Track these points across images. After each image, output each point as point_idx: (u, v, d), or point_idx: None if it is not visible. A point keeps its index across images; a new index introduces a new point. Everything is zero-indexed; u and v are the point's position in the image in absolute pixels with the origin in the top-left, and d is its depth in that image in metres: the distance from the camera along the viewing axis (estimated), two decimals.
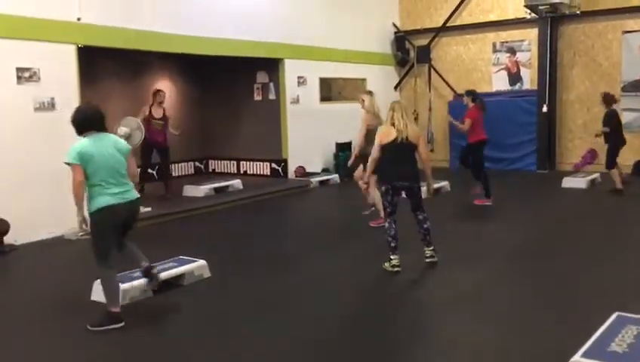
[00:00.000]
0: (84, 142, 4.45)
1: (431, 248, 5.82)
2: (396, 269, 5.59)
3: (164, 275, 5.30)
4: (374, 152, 5.72)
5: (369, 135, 7.59)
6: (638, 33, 11.51)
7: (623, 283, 5.20)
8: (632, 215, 8.21)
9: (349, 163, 8.13)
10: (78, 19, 7.89)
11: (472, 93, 9.13)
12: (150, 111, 9.67)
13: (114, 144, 4.57)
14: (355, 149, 7.88)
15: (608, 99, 9.50)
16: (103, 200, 4.41)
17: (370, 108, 7.83)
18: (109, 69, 10.73)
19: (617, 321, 3.79)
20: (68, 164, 4.40)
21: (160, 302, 5.03)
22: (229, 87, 12.40)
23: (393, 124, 5.64)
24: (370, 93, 8.17)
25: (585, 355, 3.32)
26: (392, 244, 5.64)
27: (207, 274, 5.66)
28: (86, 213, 4.49)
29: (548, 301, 4.87)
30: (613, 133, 9.44)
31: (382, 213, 7.08)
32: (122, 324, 4.46)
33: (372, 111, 7.80)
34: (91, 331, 4.41)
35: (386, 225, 5.70)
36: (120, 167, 4.53)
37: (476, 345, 4.08)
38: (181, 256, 5.77)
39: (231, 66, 11.60)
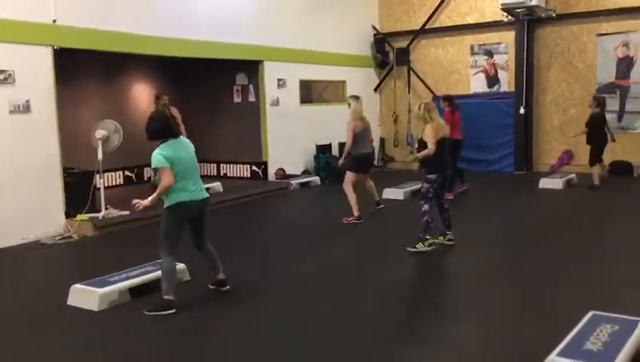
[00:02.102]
0: (165, 147, 4.82)
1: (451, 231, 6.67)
2: (432, 247, 6.34)
3: (142, 279, 5.28)
4: (431, 149, 6.26)
5: (355, 137, 8.02)
6: (612, 36, 11.71)
7: (599, 282, 5.29)
8: (607, 215, 8.35)
9: (340, 162, 8.57)
10: (54, 21, 7.80)
11: (447, 99, 9.84)
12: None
13: (188, 146, 5.01)
14: (345, 151, 8.32)
15: (601, 101, 10.10)
16: (181, 197, 4.82)
17: (355, 112, 8.13)
18: (86, 71, 10.61)
19: (592, 320, 3.85)
20: (155, 169, 4.86)
21: (139, 306, 4.99)
22: (208, 89, 12.35)
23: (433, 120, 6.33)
24: (356, 97, 8.39)
25: (560, 354, 3.36)
26: (432, 225, 6.35)
27: (187, 277, 5.63)
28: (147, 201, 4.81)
29: (524, 300, 4.93)
30: (599, 132, 9.91)
31: (355, 210, 7.96)
32: (174, 311, 4.76)
33: (357, 115, 8.11)
34: (147, 315, 4.73)
35: (427, 207, 6.33)
36: (195, 166, 5.02)
37: (454, 344, 4.11)
38: (159, 260, 5.71)
39: (210, 68, 11.54)
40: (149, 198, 4.82)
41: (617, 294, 4.92)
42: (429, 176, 6.35)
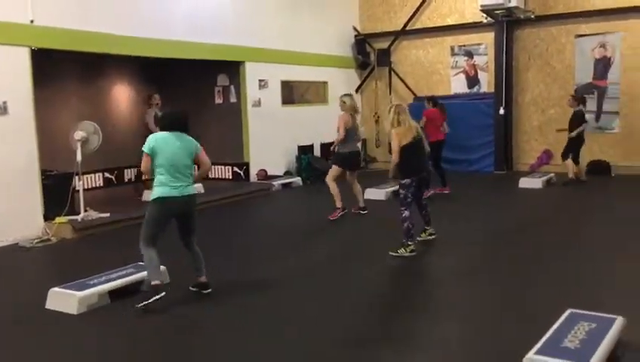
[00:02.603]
0: (159, 136, 4.97)
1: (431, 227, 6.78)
2: (414, 253, 6.22)
3: (122, 282, 5.23)
4: (394, 160, 6.24)
5: (347, 134, 8.19)
6: (589, 37, 11.88)
7: (577, 281, 5.36)
8: (585, 214, 8.46)
9: (332, 147, 8.55)
10: (31, 21, 7.71)
11: (431, 99, 10.03)
12: (156, 114, 9.85)
13: (184, 142, 5.03)
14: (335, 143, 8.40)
15: (582, 100, 10.39)
16: (161, 191, 4.87)
17: (348, 108, 8.30)
18: (65, 71, 10.47)
19: (570, 318, 3.90)
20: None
21: (118, 308, 4.95)
22: (190, 90, 12.26)
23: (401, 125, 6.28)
24: (349, 95, 8.58)
25: (538, 352, 3.40)
26: (412, 232, 6.26)
27: (166, 279, 5.58)
28: None
29: (504, 299, 4.98)
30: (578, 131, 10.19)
31: (337, 201, 8.18)
32: (163, 294, 4.82)
33: (350, 111, 8.30)
34: (139, 308, 4.77)
35: (407, 213, 6.23)
36: (185, 164, 4.99)
37: (436, 343, 4.14)
38: (140, 262, 5.67)
39: (191, 69, 11.47)
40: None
41: (595, 292, 4.99)
42: (403, 181, 6.29)
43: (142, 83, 12.20)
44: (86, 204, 8.13)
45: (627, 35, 11.50)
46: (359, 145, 9.44)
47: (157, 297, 4.80)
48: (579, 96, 10.58)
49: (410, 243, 6.25)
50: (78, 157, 7.95)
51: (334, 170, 8.31)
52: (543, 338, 3.58)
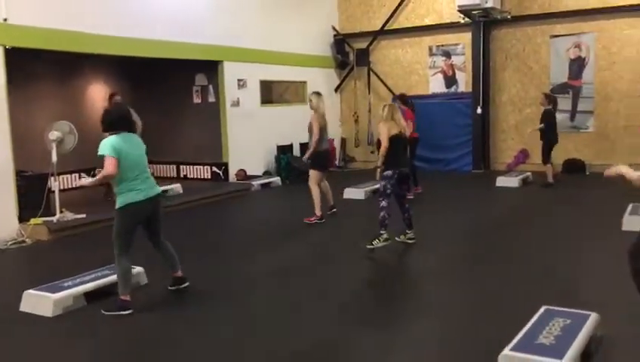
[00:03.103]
0: (117, 138, 4.73)
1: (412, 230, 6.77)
2: (388, 242, 6.38)
3: (98, 283, 5.18)
4: (384, 145, 6.34)
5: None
6: (564, 37, 12.04)
7: (551, 277, 5.43)
8: (561, 212, 8.57)
9: (305, 157, 8.42)
10: (5, 20, 7.58)
11: (401, 98, 9.93)
12: None
13: (139, 144, 4.92)
14: (311, 147, 8.25)
15: (553, 99, 10.44)
16: (130, 198, 4.73)
17: (319, 108, 8.18)
18: (40, 70, 10.35)
19: (545, 315, 3.95)
20: (102, 156, 4.69)
21: (96, 310, 4.89)
22: (168, 89, 12.19)
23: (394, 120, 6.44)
24: (318, 94, 8.44)
25: (514, 349, 3.44)
26: (387, 222, 6.36)
27: (144, 280, 5.54)
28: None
29: (481, 297, 5.03)
30: (549, 131, 10.19)
31: (317, 209, 8.03)
32: (130, 311, 4.73)
33: (319, 111, 8.17)
34: (104, 319, 4.66)
35: (385, 203, 6.36)
36: (145, 164, 4.91)
37: (413, 342, 4.16)
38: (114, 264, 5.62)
39: (169, 69, 11.39)
40: (90, 180, 5.00)
41: (570, 289, 5.06)
42: (385, 173, 6.41)
43: (119, 82, 12.09)
44: (61, 205, 8.02)
45: (600, 36, 11.69)
46: (336, 143, 9.43)
47: (125, 313, 4.72)
48: (551, 95, 10.68)
49: (383, 232, 6.35)
50: (54, 158, 7.84)
51: (315, 175, 8.14)
52: (519, 335, 3.62)
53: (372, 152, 12.86)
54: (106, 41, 9.07)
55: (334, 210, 8.47)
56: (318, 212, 8.07)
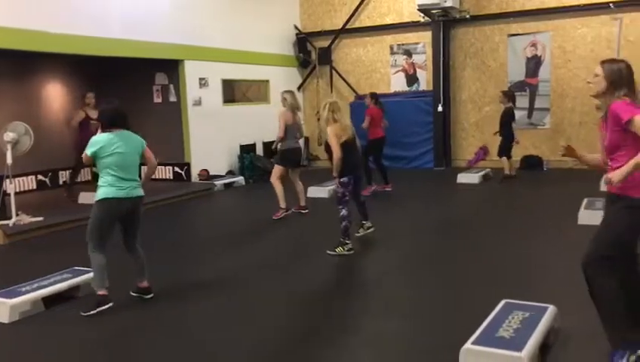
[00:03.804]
0: (106, 136, 4.80)
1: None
2: (352, 252, 6.22)
3: (57, 288, 5.06)
4: (337, 153, 6.13)
5: (287, 131, 8.20)
6: (521, 36, 12.31)
7: (511, 271, 5.55)
8: (520, 208, 8.77)
9: (273, 147, 8.60)
10: None
11: (373, 97, 10.10)
12: (87, 113, 9.54)
13: (132, 141, 4.92)
14: (276, 141, 8.42)
15: (511, 96, 10.67)
16: (108, 192, 4.74)
17: (289, 104, 8.28)
18: None
19: (505, 308, 4.03)
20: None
21: (55, 315, 4.78)
22: (127, 89, 11.92)
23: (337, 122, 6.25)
24: (290, 92, 8.57)
25: (475, 342, 3.51)
26: (350, 231, 6.27)
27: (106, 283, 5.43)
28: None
29: (443, 292, 5.10)
30: (508, 127, 10.45)
31: (281, 201, 8.15)
32: (111, 305, 4.77)
33: (290, 108, 8.28)
34: (85, 316, 4.64)
35: (345, 212, 6.22)
36: (136, 165, 4.92)
37: (373, 340, 4.19)
38: (76, 267, 5.51)
39: (128, 68, 11.19)
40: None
41: (529, 282, 5.18)
42: (342, 179, 6.22)
43: (77, 82, 11.82)
44: (18, 208, 7.80)
45: (556, 34, 12.00)
46: (301, 142, 9.45)
47: (104, 308, 4.73)
48: (509, 93, 10.86)
49: (348, 241, 6.24)
50: (9, 160, 7.61)
51: (278, 169, 8.29)
52: (479, 329, 3.69)
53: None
54: (63, 40, 8.86)
55: (305, 211, 8.49)
56: (282, 204, 8.13)
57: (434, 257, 6.25)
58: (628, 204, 3.35)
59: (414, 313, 4.64)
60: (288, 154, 8.29)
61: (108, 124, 4.88)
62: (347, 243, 6.23)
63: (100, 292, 4.76)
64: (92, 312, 4.68)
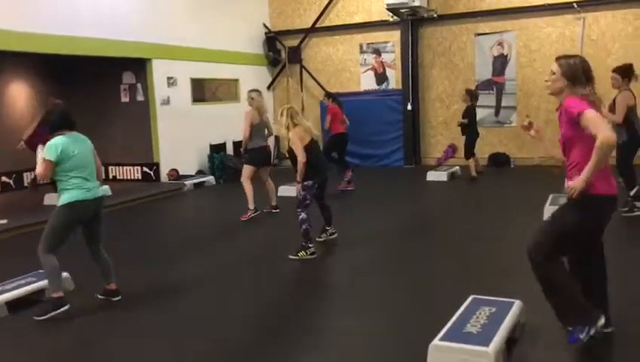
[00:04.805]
0: (60, 139, 4.68)
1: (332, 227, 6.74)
2: (314, 256, 6.07)
3: (21, 292, 4.96)
4: (302, 159, 6.03)
5: (254, 130, 8.15)
6: (488, 35, 12.49)
7: (479, 267, 5.63)
8: (488, 205, 8.90)
9: (241, 150, 8.53)
10: None
11: (330, 95, 10.43)
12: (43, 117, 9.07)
13: (84, 141, 4.86)
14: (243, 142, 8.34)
15: (474, 95, 10.58)
16: (75, 195, 4.65)
17: (255, 105, 8.26)
18: None
19: (472, 303, 4.09)
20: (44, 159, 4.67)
21: (17, 320, 4.67)
22: (93, 88, 11.78)
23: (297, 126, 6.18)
24: (257, 91, 8.56)
25: (442, 338, 3.55)
26: (311, 234, 6.12)
27: (71, 286, 5.34)
28: None
29: (411, 289, 5.15)
30: (471, 126, 10.43)
31: (250, 203, 8.08)
32: (68, 307, 4.67)
33: (256, 107, 8.25)
34: (39, 321, 4.57)
35: (304, 215, 6.09)
36: (92, 163, 4.87)
37: (342, 337, 4.20)
38: (41, 271, 5.37)
39: (95, 67, 11.02)
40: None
41: (496, 278, 5.26)
42: (305, 182, 6.13)
43: (41, 80, 11.60)
44: None
45: (521, 34, 12.20)
46: (272, 140, 9.43)
47: (60, 310, 4.65)
48: (472, 91, 10.70)
49: (311, 245, 6.11)
50: None
51: (247, 169, 8.25)
52: (447, 325, 3.73)
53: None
54: (27, 39, 8.67)
55: (276, 210, 8.47)
56: (251, 206, 8.10)
57: (403, 255, 6.29)
58: (578, 201, 3.38)
59: (383, 311, 4.66)
60: (256, 153, 8.25)
61: (59, 127, 4.79)
62: (310, 247, 6.10)
63: (56, 295, 4.67)
64: (46, 316, 4.59)
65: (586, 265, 3.74)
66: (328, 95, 10.44)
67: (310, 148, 6.15)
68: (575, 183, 3.33)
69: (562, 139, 3.53)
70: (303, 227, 6.09)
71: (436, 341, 3.53)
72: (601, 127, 3.25)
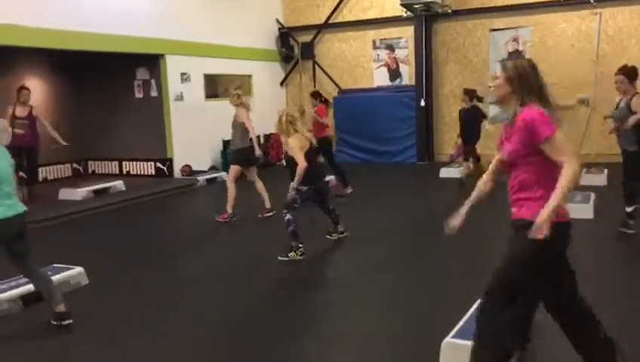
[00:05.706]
0: None
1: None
2: (304, 256, 5.96)
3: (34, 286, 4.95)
4: (302, 165, 5.93)
5: (241, 131, 8.01)
6: (503, 31, 12.39)
7: (490, 264, 5.55)
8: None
9: (258, 153, 8.12)
10: None
11: (318, 96, 9.67)
12: (14, 111, 8.95)
13: (4, 154, 4.30)
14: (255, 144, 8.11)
15: (472, 95, 9.42)
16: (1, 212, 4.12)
17: (247, 104, 8.22)
18: None
19: None
20: None
21: (32, 314, 4.71)
22: (108, 84, 11.86)
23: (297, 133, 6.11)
24: (240, 89, 8.54)
25: (456, 336, 3.54)
26: (299, 233, 6.01)
27: (85, 281, 5.39)
28: None
29: (424, 286, 5.14)
30: (468, 129, 9.46)
31: (228, 206, 7.90)
32: None
33: (247, 107, 8.21)
34: None
35: (290, 217, 5.99)
36: (12, 178, 4.28)
37: (354, 329, 4.20)
38: (55, 264, 5.44)
39: (109, 62, 11.10)
40: None
41: None
42: (300, 187, 6.03)
43: (55, 76, 11.72)
44: None
45: (536, 30, 12.08)
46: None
47: None
48: (471, 91, 9.48)
49: (300, 245, 6.01)
50: None
51: (233, 170, 8.03)
52: (460, 323, 3.72)
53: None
54: (42, 34, 8.75)
55: (270, 213, 8.06)
56: (229, 209, 7.90)
57: (415, 252, 6.27)
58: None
59: (396, 308, 4.66)
60: (240, 154, 8.06)
61: None
62: (299, 248, 6.00)
63: None
64: None
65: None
66: (316, 95, 9.69)
67: (308, 155, 6.09)
68: (541, 221, 2.79)
69: (509, 155, 2.98)
70: (290, 228, 5.98)
71: (449, 338, 3.52)
72: (571, 154, 2.78)
